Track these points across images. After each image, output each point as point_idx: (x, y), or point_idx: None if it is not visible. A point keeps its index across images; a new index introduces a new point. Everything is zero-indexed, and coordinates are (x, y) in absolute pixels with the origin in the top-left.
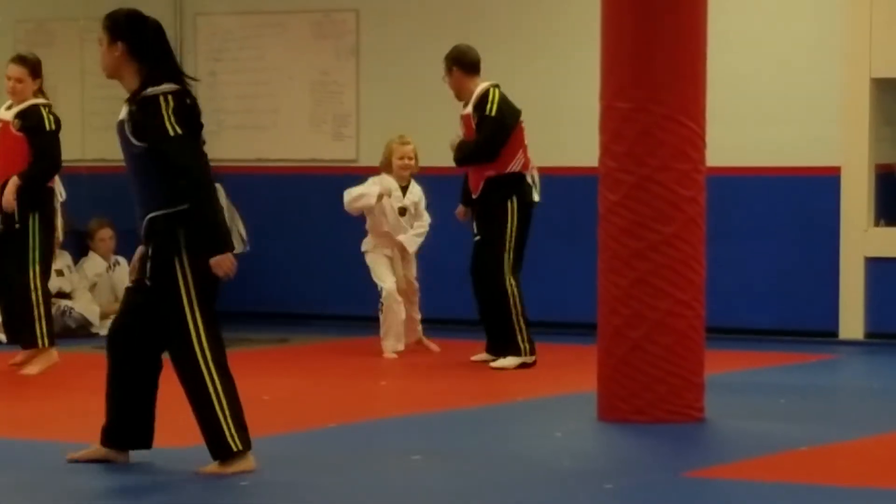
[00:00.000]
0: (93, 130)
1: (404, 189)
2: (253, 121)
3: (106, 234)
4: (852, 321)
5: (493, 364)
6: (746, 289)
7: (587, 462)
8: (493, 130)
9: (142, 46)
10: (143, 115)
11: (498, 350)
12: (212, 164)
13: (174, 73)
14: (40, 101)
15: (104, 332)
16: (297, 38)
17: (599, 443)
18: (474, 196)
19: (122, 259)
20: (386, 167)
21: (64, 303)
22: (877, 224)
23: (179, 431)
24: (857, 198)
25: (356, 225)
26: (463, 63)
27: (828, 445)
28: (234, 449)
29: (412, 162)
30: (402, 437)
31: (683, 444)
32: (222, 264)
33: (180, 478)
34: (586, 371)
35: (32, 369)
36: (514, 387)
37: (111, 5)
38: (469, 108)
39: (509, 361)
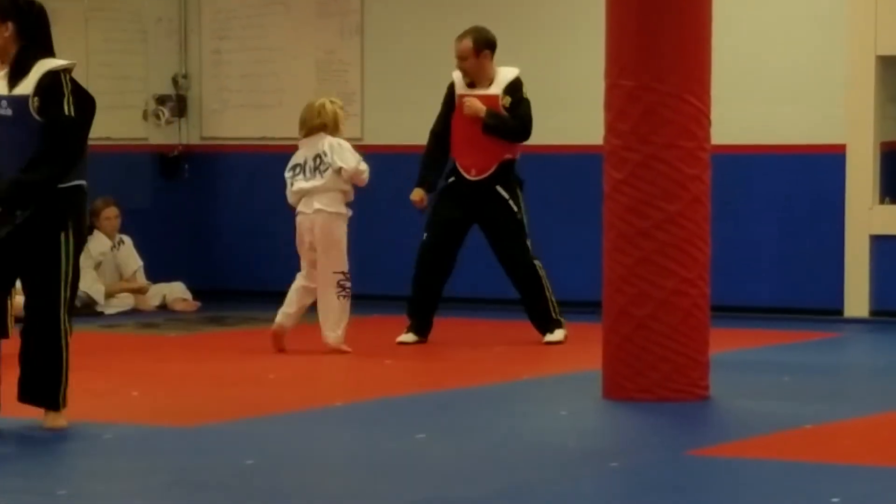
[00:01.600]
0: (97, 109)
1: None
2: (257, 99)
3: (111, 213)
4: (857, 299)
5: (547, 339)
6: (751, 267)
7: (592, 441)
8: (530, 114)
9: (28, 27)
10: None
11: (544, 327)
12: (217, 142)
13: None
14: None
15: (109, 310)
16: (302, 17)
17: (604, 421)
18: (476, 177)
19: (126, 238)
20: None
21: None
22: (882, 202)
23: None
24: (862, 176)
25: (358, 202)
26: (493, 46)
27: (832, 424)
28: (63, 405)
29: None
30: (407, 415)
31: (688, 422)
32: None
33: (183, 458)
34: (591, 350)
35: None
36: (519, 366)
37: None
38: (495, 90)
39: (559, 335)
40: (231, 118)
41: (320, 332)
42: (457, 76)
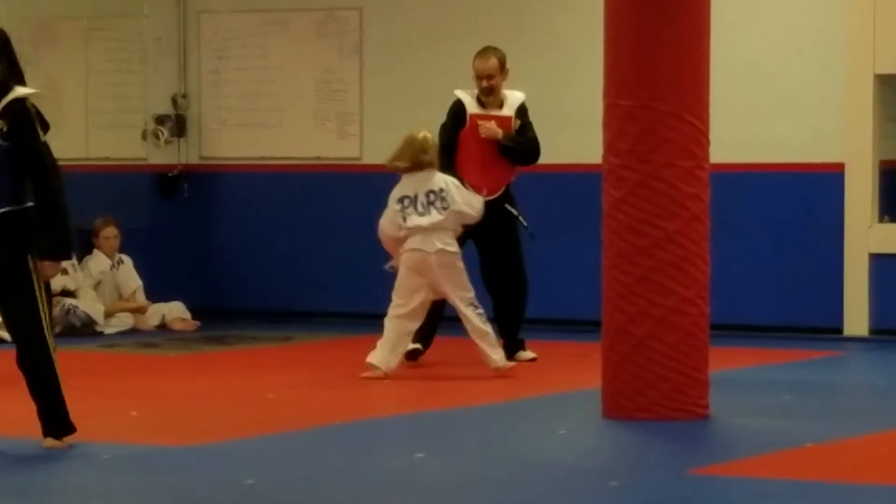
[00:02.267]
0: (97, 129)
1: None
2: (257, 119)
3: (111, 233)
4: (856, 317)
5: (523, 358)
6: (750, 285)
7: (592, 459)
8: (537, 137)
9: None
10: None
11: (513, 339)
12: (216, 162)
13: (21, 79)
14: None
15: (109, 330)
16: (301, 36)
17: (604, 440)
18: (487, 197)
19: (125, 257)
20: None
21: (68, 301)
22: (881, 220)
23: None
24: (861, 194)
25: (359, 223)
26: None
27: (832, 442)
28: (73, 428)
29: None
30: (406, 434)
31: (688, 441)
32: (54, 269)
33: (182, 477)
34: (591, 368)
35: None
36: (518, 384)
37: (115, 5)
38: (508, 111)
39: (529, 353)
40: (230, 138)
41: (484, 359)
42: (464, 96)
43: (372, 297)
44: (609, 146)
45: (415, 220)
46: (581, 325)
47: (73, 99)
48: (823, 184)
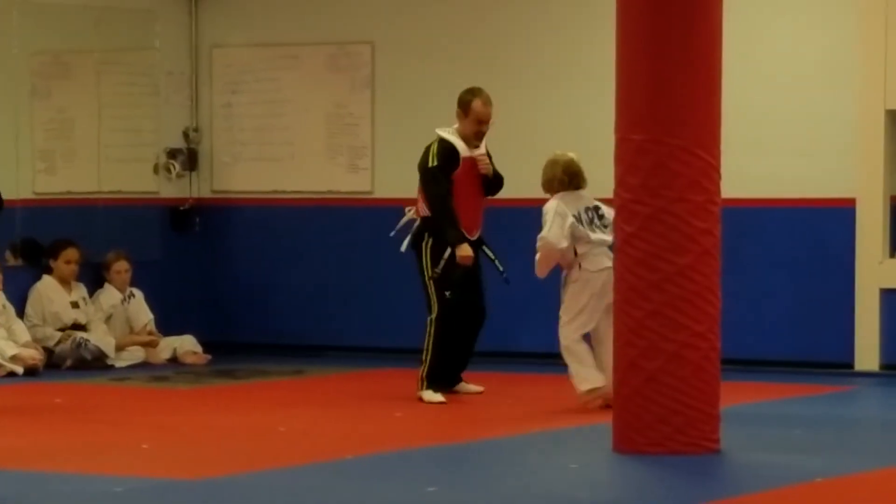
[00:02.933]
0: (109, 163)
1: None
2: (269, 152)
3: (122, 267)
4: (868, 352)
5: (470, 389)
6: (761, 320)
7: (603, 493)
8: None
9: None
10: None
11: (460, 372)
12: (228, 195)
13: None
14: None
15: (120, 363)
16: (313, 71)
17: (615, 474)
18: (474, 236)
19: (137, 291)
20: None
21: (80, 334)
22: (892, 255)
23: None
24: (872, 229)
25: (371, 256)
26: None
27: (843, 477)
28: None
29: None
30: (418, 468)
31: (699, 475)
32: None
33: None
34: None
35: None
36: (528, 418)
37: (127, 38)
38: (484, 149)
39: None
40: (242, 171)
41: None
42: (453, 139)
43: (383, 331)
44: (620, 181)
45: (599, 235)
46: None
47: (86, 132)
48: (834, 219)
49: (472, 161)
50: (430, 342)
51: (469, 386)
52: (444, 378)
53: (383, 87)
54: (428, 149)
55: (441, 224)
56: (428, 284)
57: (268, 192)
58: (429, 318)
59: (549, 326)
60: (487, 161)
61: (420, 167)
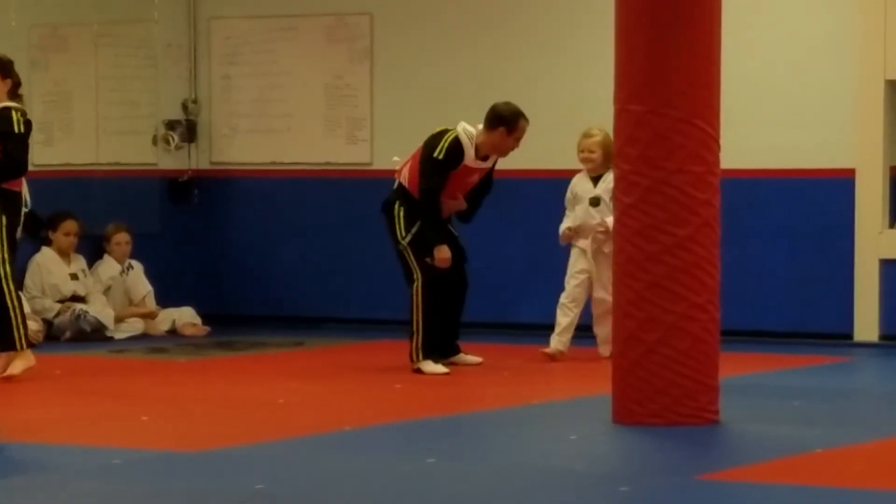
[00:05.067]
0: (107, 135)
1: (595, 180)
2: (267, 124)
3: (122, 239)
4: (867, 323)
5: (468, 359)
6: (761, 291)
7: (602, 465)
8: None
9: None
10: None
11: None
12: (226, 167)
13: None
14: (11, 104)
15: (119, 335)
16: (311, 42)
17: (614, 446)
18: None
19: (136, 263)
20: None
21: (79, 306)
22: (891, 226)
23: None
24: (871, 200)
25: (370, 228)
26: None
27: (842, 448)
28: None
29: (593, 155)
30: (417, 440)
31: (698, 447)
32: None
33: (193, 483)
34: (601, 374)
35: (15, 369)
36: (528, 390)
37: (125, 10)
38: (490, 162)
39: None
40: (240, 143)
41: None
42: (466, 140)
43: (382, 303)
44: (620, 152)
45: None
46: (590, 332)
47: (84, 105)
48: (834, 190)
49: (473, 171)
50: (419, 312)
51: (468, 357)
52: (439, 347)
53: (382, 58)
54: (443, 135)
55: (423, 219)
56: (405, 253)
57: (266, 164)
58: (413, 287)
59: (548, 298)
60: (462, 202)
61: (426, 148)
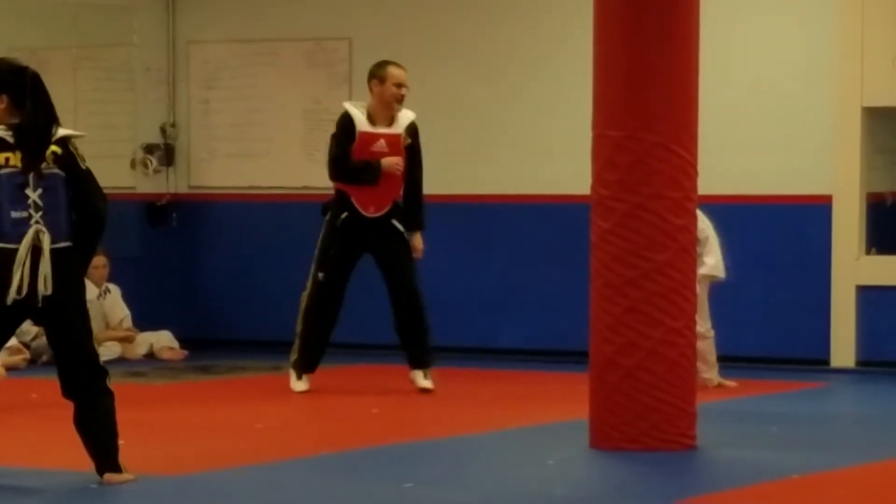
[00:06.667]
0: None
1: None
2: (246, 149)
3: (99, 262)
4: (844, 349)
5: (422, 385)
6: (738, 317)
7: (580, 490)
8: None
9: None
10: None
11: (420, 358)
12: (204, 191)
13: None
14: None
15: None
16: (290, 67)
17: (592, 471)
18: (374, 214)
19: (113, 286)
20: None
21: None
22: (868, 252)
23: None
24: (848, 226)
25: None
26: None
27: (820, 473)
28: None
29: None
30: (394, 465)
31: (676, 472)
32: None
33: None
34: (579, 399)
35: None
36: (506, 414)
37: (104, 34)
38: (398, 129)
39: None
40: (219, 167)
41: None
42: (353, 110)
43: (359, 327)
44: (598, 177)
45: None
46: (568, 356)
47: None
48: (811, 216)
49: (374, 137)
50: (299, 318)
51: (423, 381)
52: (307, 362)
53: (361, 83)
54: None
55: (352, 180)
56: (314, 258)
57: (245, 188)
58: (302, 296)
59: (526, 323)
60: (395, 161)
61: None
